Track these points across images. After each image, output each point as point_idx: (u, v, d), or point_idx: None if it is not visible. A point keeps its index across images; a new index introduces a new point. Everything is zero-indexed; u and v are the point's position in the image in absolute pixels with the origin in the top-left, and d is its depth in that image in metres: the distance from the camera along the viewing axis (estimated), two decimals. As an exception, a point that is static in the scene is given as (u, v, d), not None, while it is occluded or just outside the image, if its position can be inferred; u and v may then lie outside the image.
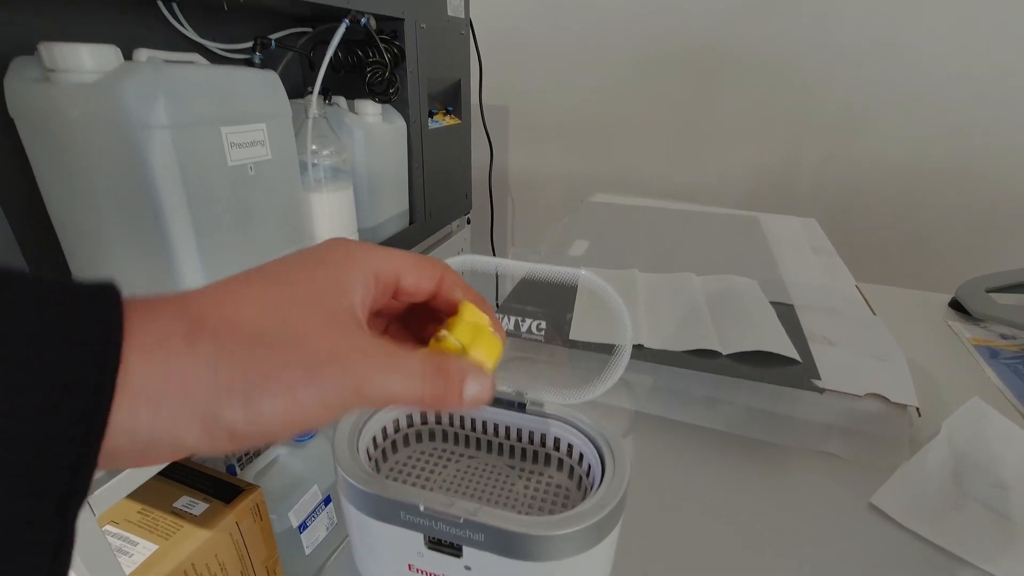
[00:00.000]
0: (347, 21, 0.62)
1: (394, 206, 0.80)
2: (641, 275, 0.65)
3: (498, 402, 0.33)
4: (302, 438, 0.83)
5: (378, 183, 0.74)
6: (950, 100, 1.04)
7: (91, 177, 0.46)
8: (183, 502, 0.67)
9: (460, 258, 0.34)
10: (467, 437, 0.34)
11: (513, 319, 0.34)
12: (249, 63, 0.67)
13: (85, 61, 0.43)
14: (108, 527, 0.63)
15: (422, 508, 0.25)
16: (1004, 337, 0.62)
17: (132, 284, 0.52)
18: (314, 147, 0.64)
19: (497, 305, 0.51)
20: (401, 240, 0.81)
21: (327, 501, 0.85)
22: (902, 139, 1.08)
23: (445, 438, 0.35)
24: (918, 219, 1.10)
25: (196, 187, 0.48)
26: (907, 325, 0.66)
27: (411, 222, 0.84)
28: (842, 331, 0.53)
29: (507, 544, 0.24)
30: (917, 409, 0.44)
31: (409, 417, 0.34)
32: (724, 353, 0.48)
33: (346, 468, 0.27)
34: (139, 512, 0.65)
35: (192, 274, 0.50)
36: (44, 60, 0.43)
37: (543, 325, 0.33)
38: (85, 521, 0.43)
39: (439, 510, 0.25)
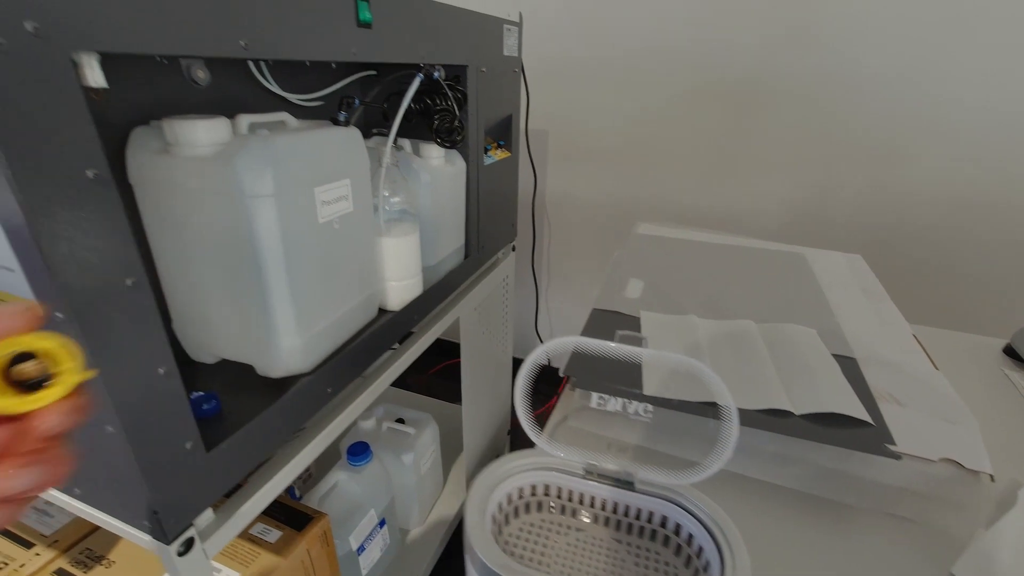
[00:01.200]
0: (421, 75, 0.64)
1: (453, 242, 0.82)
2: (700, 322, 0.67)
3: (606, 478, 0.35)
4: (358, 461, 0.86)
5: (440, 223, 0.77)
6: (998, 133, 1.04)
7: (199, 238, 0.50)
8: (258, 529, 0.70)
9: (563, 340, 0.37)
10: (574, 510, 0.37)
11: (620, 401, 0.36)
12: (322, 111, 0.70)
13: (201, 136, 0.46)
14: (191, 553, 0.67)
15: (564, 598, 0.28)
16: (1063, 389, 0.63)
17: (231, 335, 0.55)
18: (386, 193, 0.67)
19: (556, 371, 0.53)
20: (458, 274, 0.84)
21: (382, 524, 0.89)
22: (946, 171, 1.08)
23: (555, 510, 0.37)
24: (965, 255, 1.10)
25: (292, 246, 0.51)
26: (962, 373, 0.67)
27: (466, 256, 0.87)
28: (908, 389, 0.54)
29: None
30: (991, 475, 0.45)
31: (521, 489, 0.36)
32: (797, 414, 0.49)
33: (486, 554, 0.30)
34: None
35: (286, 327, 0.53)
36: (165, 135, 0.46)
37: (650, 408, 0.35)
38: (199, 563, 0.46)
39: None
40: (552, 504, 0.37)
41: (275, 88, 0.63)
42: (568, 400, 0.60)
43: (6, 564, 0.64)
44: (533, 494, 0.37)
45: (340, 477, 0.84)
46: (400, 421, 1.01)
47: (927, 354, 0.62)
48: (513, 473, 0.35)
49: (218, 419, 0.49)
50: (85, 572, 0.64)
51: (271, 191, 0.47)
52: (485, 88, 0.80)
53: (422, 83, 0.70)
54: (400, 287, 0.70)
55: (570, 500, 0.36)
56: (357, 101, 0.62)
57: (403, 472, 0.95)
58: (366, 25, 0.52)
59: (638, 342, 0.54)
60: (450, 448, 1.18)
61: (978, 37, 0.99)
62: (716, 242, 0.97)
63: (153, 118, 0.50)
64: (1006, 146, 1.04)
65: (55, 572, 0.64)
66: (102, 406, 0.35)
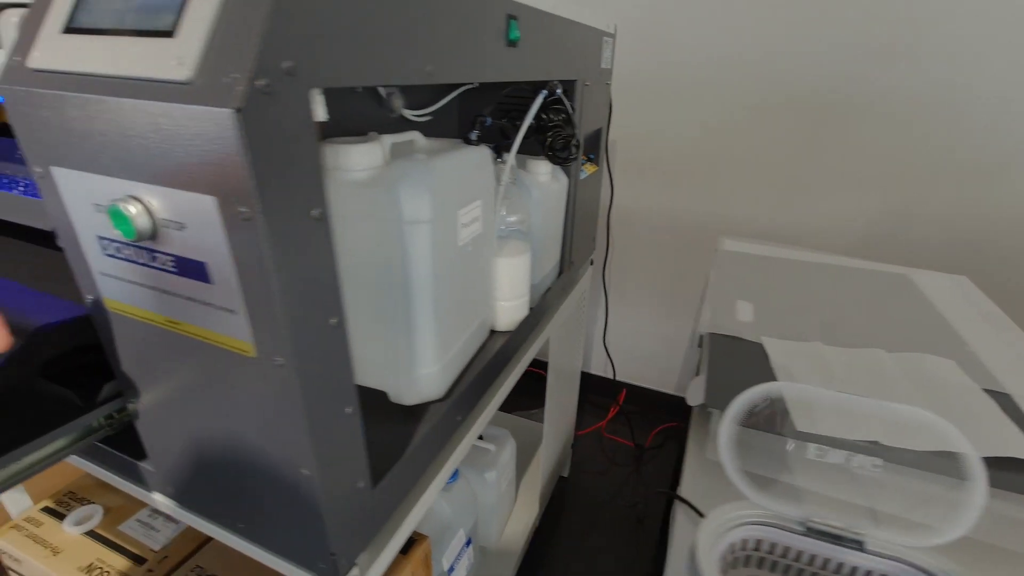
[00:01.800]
0: (545, 92, 0.62)
1: (551, 259, 0.81)
2: (826, 349, 0.64)
3: (827, 535, 0.33)
4: (448, 480, 0.84)
5: (545, 240, 0.75)
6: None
7: (349, 261, 0.48)
8: (362, 551, 0.69)
9: (786, 384, 0.34)
10: (787, 567, 0.35)
11: (843, 453, 0.34)
12: (431, 125, 0.69)
13: (360, 161, 0.45)
14: (301, 575, 0.66)
15: None
16: None
17: (365, 361, 0.53)
18: (503, 212, 0.65)
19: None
20: (555, 291, 0.82)
21: (468, 543, 0.87)
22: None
23: (767, 566, 0.35)
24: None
25: (438, 270, 0.49)
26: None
27: (560, 272, 0.85)
28: (1078, 430, 0.51)
29: None
30: None
31: (733, 545, 0.34)
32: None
33: None
34: (325, 560, 0.67)
35: (426, 354, 0.51)
36: (326, 158, 0.45)
37: (879, 462, 0.33)
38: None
39: None
40: (767, 557, 0.35)
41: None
42: (700, 431, 0.58)
43: (121, 582, 0.64)
44: (743, 548, 0.35)
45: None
46: (479, 437, 0.99)
47: (1081, 389, 0.58)
48: (733, 526, 0.33)
49: (361, 449, 0.48)
50: (199, 592, 0.64)
51: (429, 216, 0.46)
52: (587, 102, 0.79)
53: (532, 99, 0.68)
54: (510, 307, 0.68)
55: (783, 556, 0.34)
56: (489, 120, 0.60)
57: (486, 490, 0.93)
58: (513, 44, 0.51)
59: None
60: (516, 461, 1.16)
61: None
62: (810, 260, 0.94)
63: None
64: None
65: (170, 591, 0.64)
66: (298, 448, 0.34)
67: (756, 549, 0.35)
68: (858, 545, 0.33)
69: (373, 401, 0.54)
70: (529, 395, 1.60)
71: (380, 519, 0.45)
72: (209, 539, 0.70)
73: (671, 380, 1.53)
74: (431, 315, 0.50)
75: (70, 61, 0.28)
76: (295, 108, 0.28)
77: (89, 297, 0.37)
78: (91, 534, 0.70)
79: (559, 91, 0.63)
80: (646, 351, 1.51)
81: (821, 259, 0.95)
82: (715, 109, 1.20)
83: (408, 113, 0.67)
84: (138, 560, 0.66)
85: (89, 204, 0.32)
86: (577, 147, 0.69)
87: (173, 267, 0.31)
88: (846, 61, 1.07)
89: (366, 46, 0.32)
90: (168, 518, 0.73)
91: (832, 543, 0.33)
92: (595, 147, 0.94)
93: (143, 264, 0.32)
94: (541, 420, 1.49)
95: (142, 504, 0.74)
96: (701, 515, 0.45)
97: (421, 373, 0.52)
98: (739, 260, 0.92)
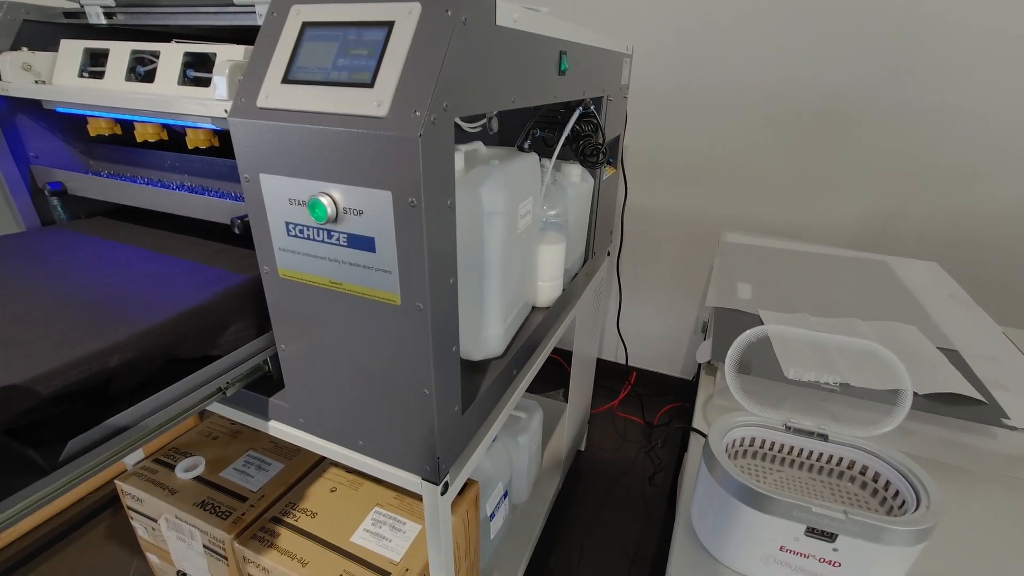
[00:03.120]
0: (581, 108, 0.76)
1: (579, 249, 0.94)
2: (813, 319, 0.77)
3: (802, 432, 0.47)
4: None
5: (575, 232, 0.88)
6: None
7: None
8: (425, 491, 0.82)
9: (772, 327, 0.48)
10: (774, 457, 0.48)
11: (813, 372, 0.47)
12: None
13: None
14: (378, 508, 0.79)
15: (813, 509, 0.39)
16: None
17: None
18: (544, 207, 0.79)
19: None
20: (580, 277, 0.95)
21: (505, 495, 1.01)
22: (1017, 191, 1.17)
23: (759, 457, 0.49)
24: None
25: (505, 251, 0.63)
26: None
27: (585, 261, 0.98)
28: (1010, 377, 0.65)
29: (874, 534, 0.38)
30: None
31: (734, 441, 0.48)
32: (920, 393, 0.60)
33: (730, 469, 0.41)
34: (395, 498, 0.81)
35: (493, 317, 0.65)
36: (423, 165, 0.58)
37: (839, 379, 0.46)
38: (446, 502, 0.58)
39: (826, 512, 0.38)
40: (759, 451, 0.48)
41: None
42: (708, 384, 0.72)
43: (231, 512, 0.77)
44: (741, 444, 0.48)
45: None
46: (510, 406, 1.12)
47: (1019, 349, 0.72)
48: (733, 427, 0.47)
49: (444, 392, 0.61)
50: (296, 521, 0.77)
51: (502, 209, 0.59)
52: (609, 114, 0.92)
53: (566, 113, 0.82)
54: (548, 287, 0.82)
55: (771, 449, 0.48)
56: (539, 132, 0.74)
57: (519, 452, 1.07)
58: (563, 73, 0.64)
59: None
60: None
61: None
62: (802, 250, 1.07)
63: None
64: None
65: (272, 519, 0.77)
66: (424, 373, 0.47)
67: (751, 444, 0.49)
68: (824, 438, 0.46)
69: (447, 358, 0.68)
70: (548, 380, 1.74)
71: (464, 441, 0.59)
72: (297, 482, 0.84)
73: (677, 364, 1.66)
74: (499, 286, 0.64)
75: (289, 102, 0.42)
76: (445, 132, 0.41)
77: (266, 268, 0.50)
78: (199, 479, 0.83)
79: (592, 107, 0.77)
80: (655, 337, 1.64)
81: (811, 249, 1.08)
82: (722, 121, 1.34)
83: (465, 125, 0.80)
84: (240, 498, 0.80)
85: (285, 199, 0.45)
86: (605, 154, 0.83)
87: (345, 242, 0.45)
88: (843, 79, 1.21)
89: (483, 88, 0.46)
90: (259, 467, 0.86)
91: (805, 437, 0.47)
92: (614, 152, 1.07)
93: (320, 240, 0.46)
94: (559, 399, 1.63)
95: (237, 455, 0.87)
96: (711, 443, 0.59)
97: (488, 333, 0.66)
98: (740, 250, 1.05)
